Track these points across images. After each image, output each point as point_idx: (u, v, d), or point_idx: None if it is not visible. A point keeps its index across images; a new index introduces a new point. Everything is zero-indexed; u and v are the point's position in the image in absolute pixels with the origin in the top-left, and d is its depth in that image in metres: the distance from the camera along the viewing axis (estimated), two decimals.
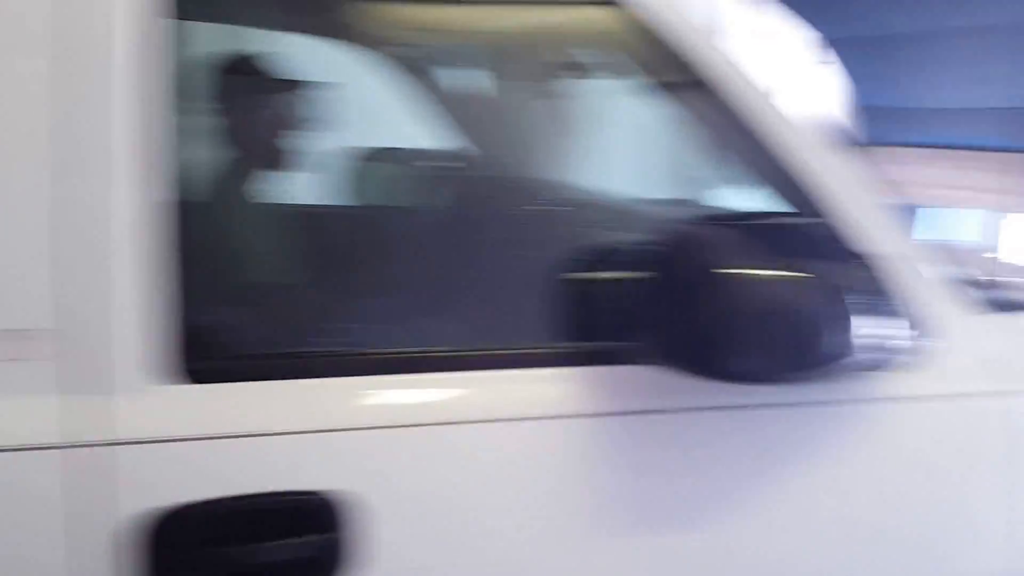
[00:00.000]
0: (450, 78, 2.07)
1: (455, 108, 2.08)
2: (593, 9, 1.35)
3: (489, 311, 1.34)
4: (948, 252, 1.42)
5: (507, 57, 1.97)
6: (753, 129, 1.32)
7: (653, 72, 1.49)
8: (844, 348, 1.08)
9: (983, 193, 4.24)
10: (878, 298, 1.12)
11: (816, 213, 1.32)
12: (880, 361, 1.14)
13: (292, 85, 1.83)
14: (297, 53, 1.74)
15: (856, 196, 1.34)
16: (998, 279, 1.67)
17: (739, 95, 1.33)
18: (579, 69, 1.86)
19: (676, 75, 1.35)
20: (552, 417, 1.15)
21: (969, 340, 1.31)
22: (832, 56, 4.55)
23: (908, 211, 1.38)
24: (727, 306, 1.06)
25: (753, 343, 1.06)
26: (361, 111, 1.91)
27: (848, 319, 1.08)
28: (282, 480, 1.00)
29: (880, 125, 4.57)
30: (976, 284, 1.54)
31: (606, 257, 1.40)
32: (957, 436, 1.29)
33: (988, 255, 4.53)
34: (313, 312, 1.37)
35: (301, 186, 1.93)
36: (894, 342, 1.14)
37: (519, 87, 2.02)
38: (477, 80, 2.06)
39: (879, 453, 1.25)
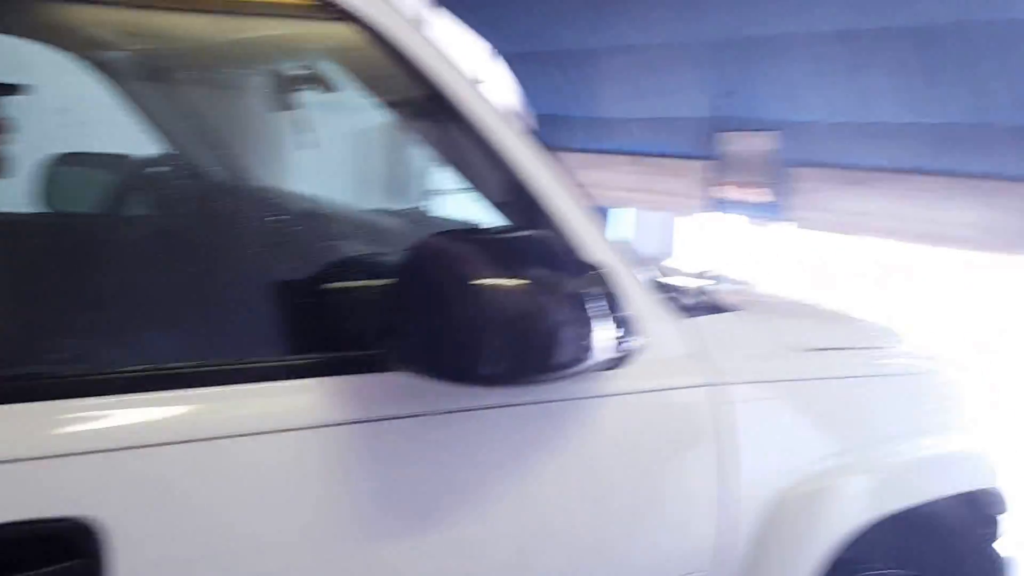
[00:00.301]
0: (162, 85, 1.93)
1: (167, 116, 1.94)
2: (321, 22, 1.33)
3: (224, 324, 1.28)
4: (640, 258, 1.55)
5: (224, 66, 1.87)
6: (484, 145, 1.38)
7: (385, 85, 1.50)
8: (576, 351, 1.15)
9: (655, 195, 4.63)
10: (601, 304, 1.20)
11: (544, 225, 1.41)
12: (605, 362, 1.23)
13: None
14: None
15: (574, 209, 1.44)
16: (687, 285, 1.85)
17: (471, 111, 1.38)
18: (306, 81, 1.82)
19: (409, 89, 1.36)
20: (299, 429, 1.13)
21: (671, 340, 1.46)
22: (507, 68, 4.80)
23: (599, 214, 1.49)
24: (474, 313, 1.09)
25: (498, 348, 1.10)
26: (62, 115, 1.73)
27: (579, 324, 1.15)
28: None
29: (557, 132, 4.89)
30: (672, 290, 1.71)
31: (349, 267, 1.41)
32: (667, 424, 1.43)
33: (672, 260, 4.96)
34: (22, 331, 1.22)
35: None
36: (615, 344, 1.24)
37: (238, 96, 1.93)
38: (197, 87, 1.94)
39: (601, 443, 1.34)
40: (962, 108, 3.33)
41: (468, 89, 1.39)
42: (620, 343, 1.25)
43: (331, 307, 1.33)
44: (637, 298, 1.43)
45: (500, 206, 1.54)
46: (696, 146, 4.41)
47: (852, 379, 1.66)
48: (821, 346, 1.71)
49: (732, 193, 4.38)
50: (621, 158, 4.75)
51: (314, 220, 1.80)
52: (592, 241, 1.42)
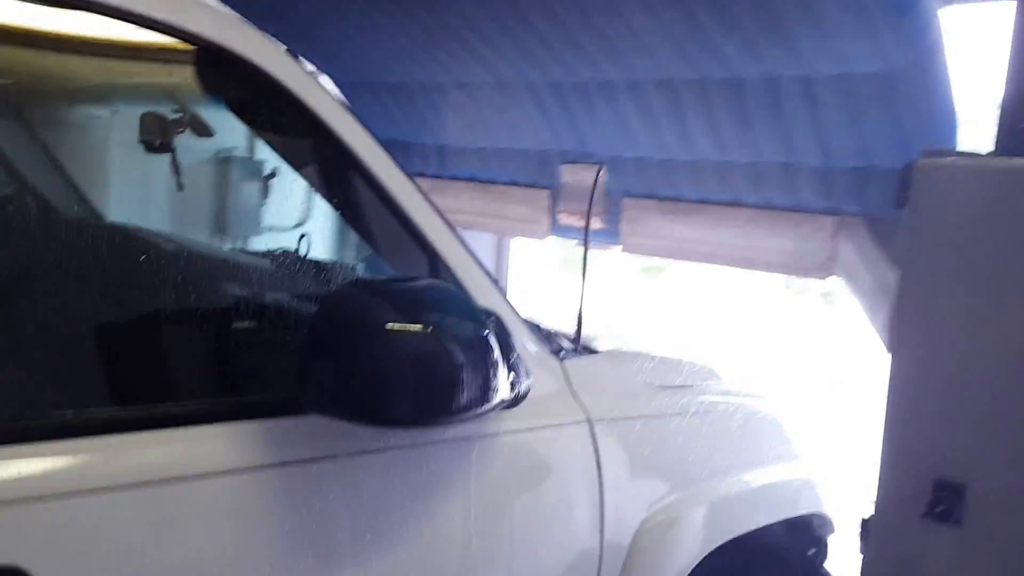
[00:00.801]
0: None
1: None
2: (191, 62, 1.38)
3: (135, 368, 1.30)
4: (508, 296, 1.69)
5: (88, 103, 1.83)
6: (377, 192, 1.48)
7: (265, 124, 1.56)
8: (480, 393, 1.27)
9: (503, 221, 4.84)
10: (497, 348, 1.32)
11: (439, 273, 1.54)
12: (503, 402, 1.37)
13: None
14: None
15: (464, 256, 1.58)
16: (554, 327, 2.05)
17: (360, 155, 1.46)
18: (177, 121, 1.78)
19: (294, 129, 1.46)
20: (209, 475, 1.16)
21: (551, 381, 1.63)
22: (346, 96, 4.88)
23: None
24: (386, 357, 1.17)
25: (409, 391, 1.19)
26: None
27: (482, 367, 1.26)
28: None
29: (405, 158, 5.03)
30: (544, 332, 1.90)
31: (248, 311, 1.46)
32: (549, 459, 1.60)
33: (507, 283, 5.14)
34: None
35: None
36: (511, 386, 1.40)
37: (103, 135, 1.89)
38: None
39: (493, 478, 1.48)
40: (770, 150, 3.72)
41: (356, 131, 1.49)
42: (515, 384, 1.41)
43: (240, 351, 1.38)
44: (523, 341, 1.60)
45: (388, 250, 1.68)
46: (540, 175, 4.67)
47: (692, 416, 1.90)
48: (665, 385, 1.94)
49: (569, 220, 4.67)
50: (469, 185, 4.95)
51: (207, 262, 1.79)
52: (482, 287, 1.56)
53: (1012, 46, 1.83)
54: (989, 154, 1.54)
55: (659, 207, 4.29)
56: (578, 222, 4.62)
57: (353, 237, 1.74)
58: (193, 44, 1.35)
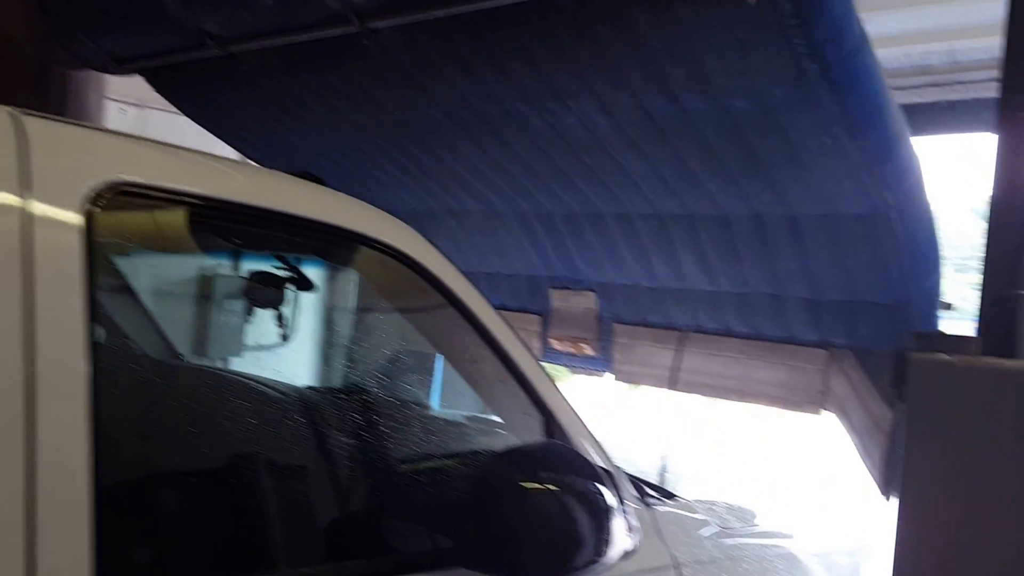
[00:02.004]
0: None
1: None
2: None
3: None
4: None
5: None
6: (513, 372, 1.74)
7: (415, 299, 1.83)
8: (603, 546, 1.42)
9: None
10: (614, 504, 1.48)
11: (554, 431, 1.76)
12: (623, 553, 1.52)
13: None
14: None
15: (578, 420, 1.75)
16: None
17: (494, 335, 1.72)
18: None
19: (437, 305, 1.73)
20: None
21: (649, 529, 1.73)
22: None
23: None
24: (518, 517, 1.35)
25: (539, 547, 1.35)
26: None
27: (603, 523, 1.42)
28: None
29: None
30: (635, 478, 2.01)
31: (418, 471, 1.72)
32: None
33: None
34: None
35: None
36: (625, 538, 1.53)
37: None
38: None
39: None
40: (759, 282, 3.74)
41: (490, 315, 1.76)
42: (630, 536, 1.58)
43: (394, 506, 1.63)
44: (628, 494, 1.75)
45: (506, 407, 1.91)
46: (531, 300, 4.68)
47: (750, 559, 2.04)
48: (727, 528, 2.09)
49: (560, 345, 4.65)
50: None
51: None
52: (589, 442, 1.76)
53: (989, 224, 1.85)
54: (975, 342, 1.53)
55: (651, 334, 4.28)
56: (569, 347, 4.61)
57: (475, 395, 1.99)
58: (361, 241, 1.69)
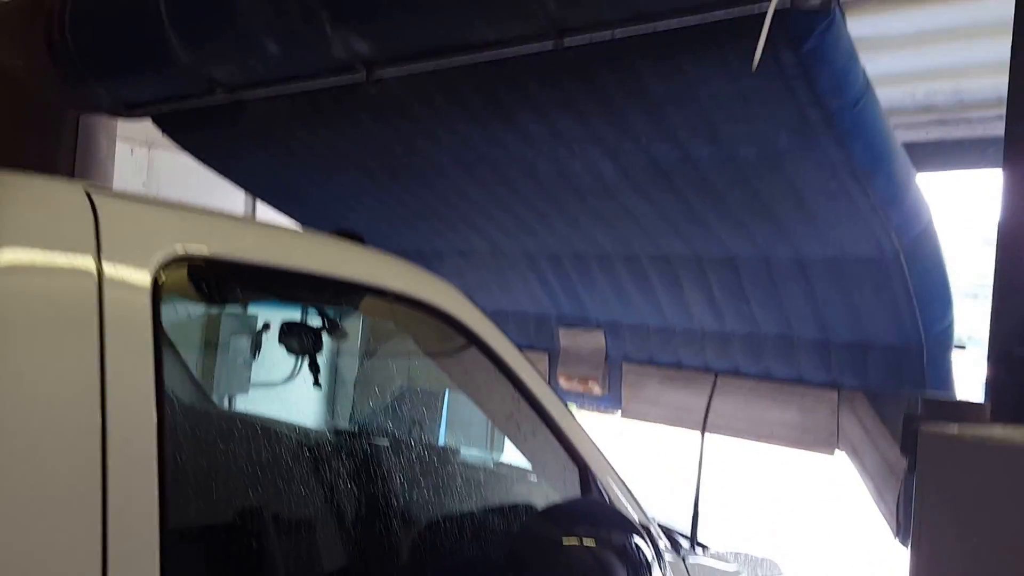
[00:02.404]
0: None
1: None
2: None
3: None
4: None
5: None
6: (555, 432, 1.82)
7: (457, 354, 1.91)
8: None
9: None
10: (649, 557, 1.53)
11: (589, 484, 1.80)
12: None
13: None
14: None
15: (616, 476, 1.77)
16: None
17: (536, 396, 1.81)
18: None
19: (471, 351, 1.81)
20: None
21: None
22: None
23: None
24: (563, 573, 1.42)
25: None
26: None
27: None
28: None
29: None
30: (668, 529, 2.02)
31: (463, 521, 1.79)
32: None
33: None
34: None
35: None
36: None
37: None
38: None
39: None
40: (767, 322, 3.72)
41: (526, 368, 1.87)
42: None
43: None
44: (664, 546, 1.80)
45: (544, 461, 2.00)
46: (538, 338, 4.66)
47: None
48: None
49: (569, 383, 4.63)
50: None
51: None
52: (625, 496, 1.80)
53: (995, 277, 1.83)
54: (984, 408, 1.51)
55: (659, 373, 4.26)
56: (578, 386, 4.59)
57: (513, 447, 2.11)
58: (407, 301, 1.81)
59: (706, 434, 4.15)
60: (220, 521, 1.63)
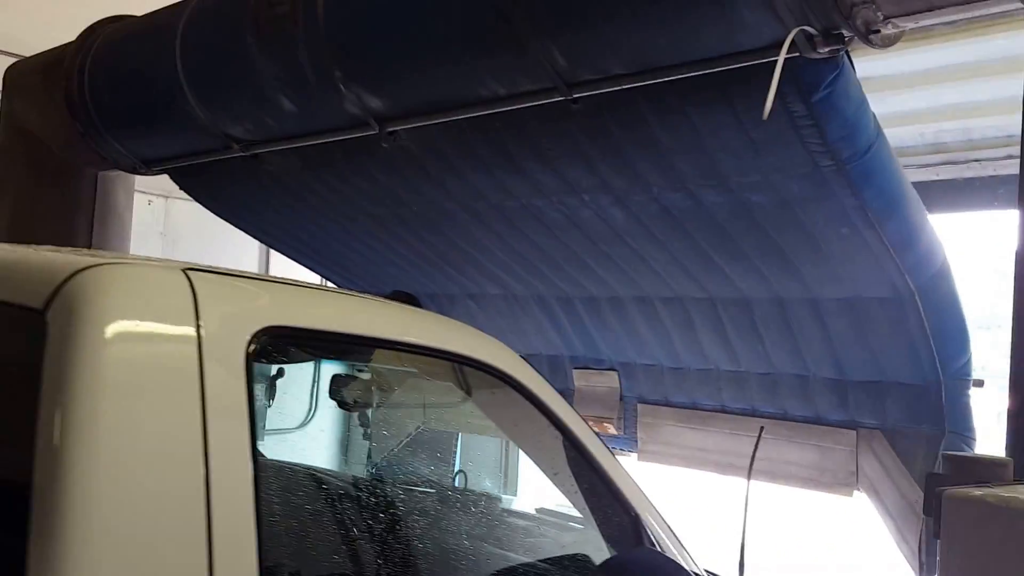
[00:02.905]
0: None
1: None
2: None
3: None
4: None
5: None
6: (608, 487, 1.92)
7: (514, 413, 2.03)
8: None
9: None
10: None
11: (640, 534, 1.90)
12: None
13: None
14: None
15: (660, 521, 1.93)
16: None
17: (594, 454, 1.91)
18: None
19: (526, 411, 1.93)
20: None
21: None
22: None
23: None
24: None
25: None
26: None
27: None
28: None
29: None
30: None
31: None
32: None
33: None
34: None
35: None
36: None
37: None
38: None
39: None
40: (783, 362, 3.71)
41: (579, 423, 1.99)
42: None
43: None
44: None
45: (598, 510, 2.09)
46: (552, 380, 4.66)
47: None
48: None
49: None
50: None
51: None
52: (678, 548, 1.92)
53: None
54: (1008, 466, 1.51)
55: (675, 414, 4.25)
56: (593, 427, 4.58)
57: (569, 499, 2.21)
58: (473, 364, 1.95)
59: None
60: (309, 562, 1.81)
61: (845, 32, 2.19)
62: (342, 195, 3.69)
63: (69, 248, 1.86)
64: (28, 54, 4.50)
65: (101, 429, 1.29)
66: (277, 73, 3.16)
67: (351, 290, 4.98)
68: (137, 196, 4.52)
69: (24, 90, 4.33)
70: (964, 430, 3.43)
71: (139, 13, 3.91)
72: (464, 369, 2.01)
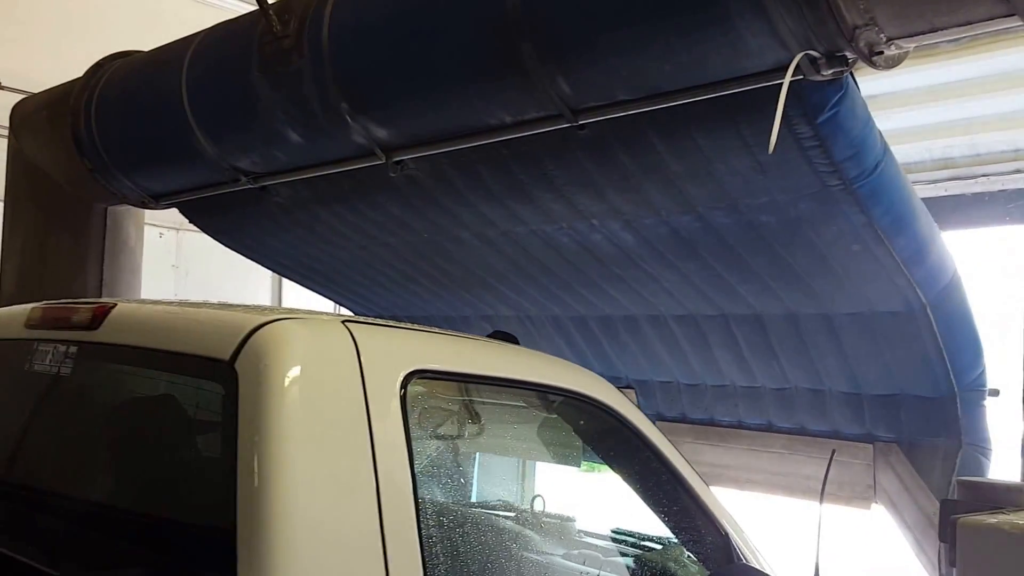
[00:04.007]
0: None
1: None
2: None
3: None
4: None
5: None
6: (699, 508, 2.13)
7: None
8: None
9: None
10: None
11: (732, 553, 2.10)
12: None
13: None
14: None
15: (746, 537, 2.11)
16: None
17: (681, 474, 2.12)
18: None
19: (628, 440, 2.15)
20: None
21: None
22: None
23: None
24: None
25: None
26: None
27: None
28: None
29: None
30: None
31: None
32: None
33: None
34: None
35: None
36: None
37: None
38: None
39: None
40: (798, 377, 3.71)
41: (672, 449, 2.17)
42: None
43: None
44: None
45: (692, 534, 2.25)
46: None
47: None
48: None
49: None
50: None
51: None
52: (765, 564, 2.10)
53: None
54: (1021, 491, 1.51)
55: (692, 431, 4.24)
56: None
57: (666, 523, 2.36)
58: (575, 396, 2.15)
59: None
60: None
61: (848, 54, 2.19)
62: (352, 224, 3.70)
63: (238, 305, 2.11)
64: (35, 90, 4.54)
65: (295, 468, 1.46)
66: (283, 106, 3.18)
67: (448, 331, 5.00)
68: (148, 229, 4.55)
69: (31, 127, 4.36)
70: (980, 441, 3.42)
71: (145, 48, 3.94)
72: (572, 403, 2.21)
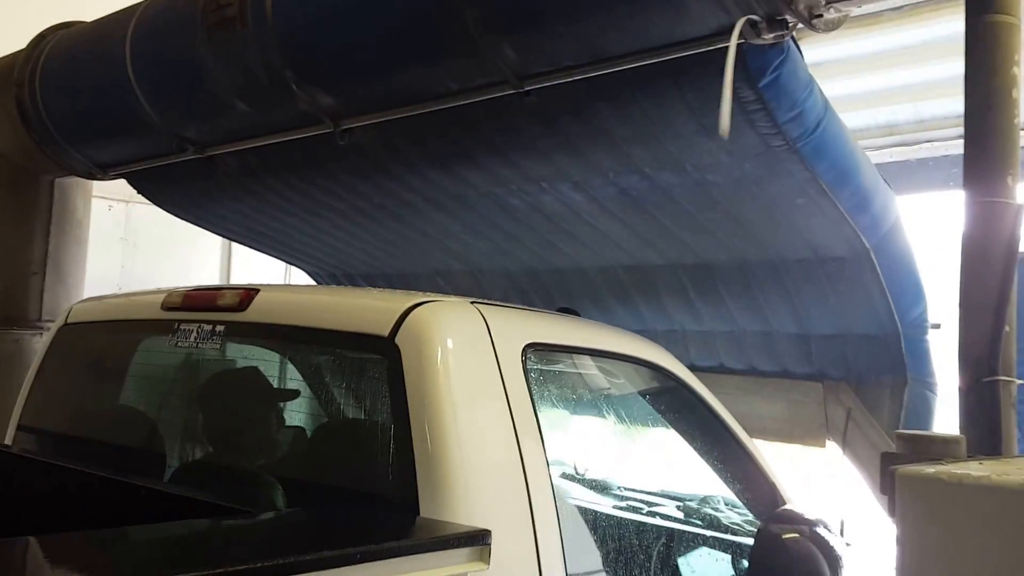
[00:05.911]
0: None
1: None
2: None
3: None
4: None
5: None
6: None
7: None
8: None
9: None
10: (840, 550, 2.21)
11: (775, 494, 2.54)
12: None
13: None
14: None
15: (788, 487, 2.51)
16: None
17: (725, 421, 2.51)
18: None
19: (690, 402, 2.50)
20: None
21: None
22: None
23: None
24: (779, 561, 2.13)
25: None
26: None
27: (835, 566, 2.14)
28: None
29: None
30: None
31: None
32: None
33: None
34: None
35: None
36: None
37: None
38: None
39: None
40: (747, 320, 3.80)
41: (723, 409, 2.55)
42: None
43: None
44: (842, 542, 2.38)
45: (744, 483, 2.62)
46: None
47: None
48: None
49: None
50: None
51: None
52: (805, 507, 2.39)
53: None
54: (960, 442, 1.60)
55: None
56: None
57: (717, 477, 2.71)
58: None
59: None
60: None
61: (789, 18, 2.22)
62: (302, 191, 3.69)
63: (374, 290, 2.51)
64: None
65: (456, 419, 1.79)
66: (228, 74, 3.13)
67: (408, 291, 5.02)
68: (96, 202, 4.47)
69: None
70: (926, 376, 3.55)
71: (89, 19, 3.84)
72: (644, 370, 2.55)
